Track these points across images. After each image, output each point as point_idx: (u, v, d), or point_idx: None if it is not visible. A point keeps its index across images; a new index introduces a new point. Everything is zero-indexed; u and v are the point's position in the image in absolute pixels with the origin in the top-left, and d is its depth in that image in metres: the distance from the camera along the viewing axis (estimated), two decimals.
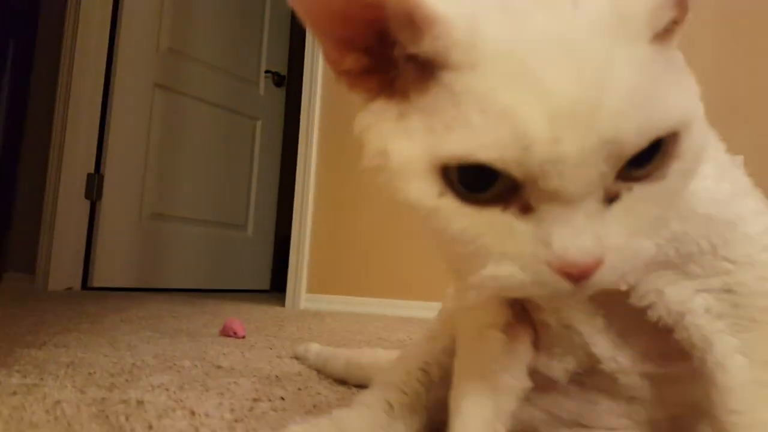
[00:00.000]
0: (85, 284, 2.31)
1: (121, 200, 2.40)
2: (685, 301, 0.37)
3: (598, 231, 0.25)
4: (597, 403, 0.46)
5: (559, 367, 0.44)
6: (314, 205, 2.04)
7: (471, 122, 0.24)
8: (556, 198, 0.25)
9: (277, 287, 2.12)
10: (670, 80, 0.26)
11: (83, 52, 2.33)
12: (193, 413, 0.54)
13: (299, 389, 0.67)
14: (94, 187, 2.34)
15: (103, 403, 0.56)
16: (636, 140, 0.24)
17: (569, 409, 0.48)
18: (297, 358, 0.88)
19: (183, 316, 1.47)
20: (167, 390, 0.63)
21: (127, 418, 0.51)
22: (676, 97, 0.25)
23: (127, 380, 0.67)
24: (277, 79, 2.92)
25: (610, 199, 0.25)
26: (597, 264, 0.25)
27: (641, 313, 0.38)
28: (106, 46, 2.38)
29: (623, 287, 0.34)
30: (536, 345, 0.44)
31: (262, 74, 2.88)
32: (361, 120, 0.29)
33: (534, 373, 0.45)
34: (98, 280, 2.32)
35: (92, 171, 2.34)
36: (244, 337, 1.13)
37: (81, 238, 2.31)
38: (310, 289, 2.04)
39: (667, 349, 0.41)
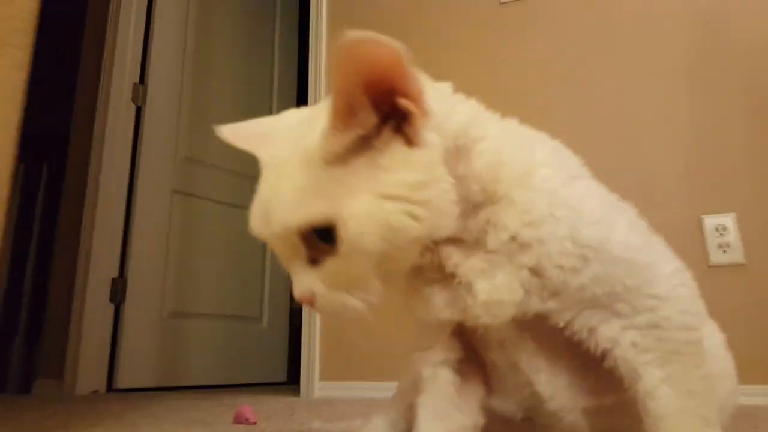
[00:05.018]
0: (110, 386, 2.39)
1: (143, 301, 2.52)
2: (614, 337, 0.44)
3: (305, 280, 0.40)
4: None
5: (510, 405, 0.50)
6: None
7: None
8: None
9: (293, 380, 2.17)
10: (333, 191, 0.38)
11: (108, 173, 2.54)
12: None
13: None
14: (117, 291, 2.48)
15: None
16: (282, 232, 0.39)
17: None
18: None
19: (201, 408, 1.54)
20: None
21: None
22: (328, 204, 0.38)
23: None
24: None
25: (317, 261, 0.40)
26: (310, 300, 0.40)
27: (577, 349, 0.45)
28: (128, 167, 2.59)
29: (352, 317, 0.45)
30: (488, 384, 0.51)
31: None
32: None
33: (493, 414, 0.52)
34: (122, 381, 2.40)
35: (116, 275, 2.50)
36: (255, 423, 1.20)
37: (106, 341, 2.42)
38: (324, 377, 2.06)
39: (601, 384, 0.48)
